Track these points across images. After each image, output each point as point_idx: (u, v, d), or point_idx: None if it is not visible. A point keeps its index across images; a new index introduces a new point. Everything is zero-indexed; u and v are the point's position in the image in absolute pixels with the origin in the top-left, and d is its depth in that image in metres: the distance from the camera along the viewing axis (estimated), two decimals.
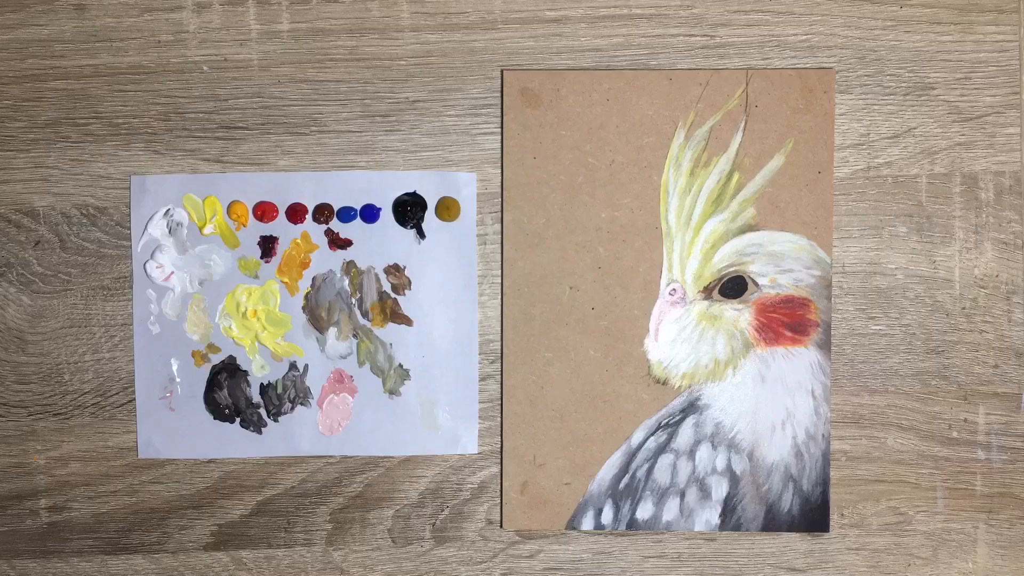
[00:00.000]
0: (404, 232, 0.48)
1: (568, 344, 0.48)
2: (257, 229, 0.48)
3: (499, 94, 0.48)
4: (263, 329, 0.48)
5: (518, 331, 0.48)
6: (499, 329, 0.48)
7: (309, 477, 0.48)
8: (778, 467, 0.48)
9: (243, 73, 0.47)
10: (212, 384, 0.48)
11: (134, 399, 0.48)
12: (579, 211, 0.47)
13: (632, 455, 0.48)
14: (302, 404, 0.48)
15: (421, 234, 0.47)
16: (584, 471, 0.48)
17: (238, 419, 0.48)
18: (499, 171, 0.48)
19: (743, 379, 0.48)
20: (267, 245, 0.48)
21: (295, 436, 0.48)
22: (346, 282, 0.48)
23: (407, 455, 0.48)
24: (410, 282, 0.48)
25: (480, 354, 0.48)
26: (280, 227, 0.48)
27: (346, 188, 0.48)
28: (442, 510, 0.48)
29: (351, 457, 0.48)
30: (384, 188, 0.48)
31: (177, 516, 0.48)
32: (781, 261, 0.47)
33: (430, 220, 0.48)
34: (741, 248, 0.47)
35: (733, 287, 0.47)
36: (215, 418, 0.48)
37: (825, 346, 0.48)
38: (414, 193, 0.48)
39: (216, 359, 0.48)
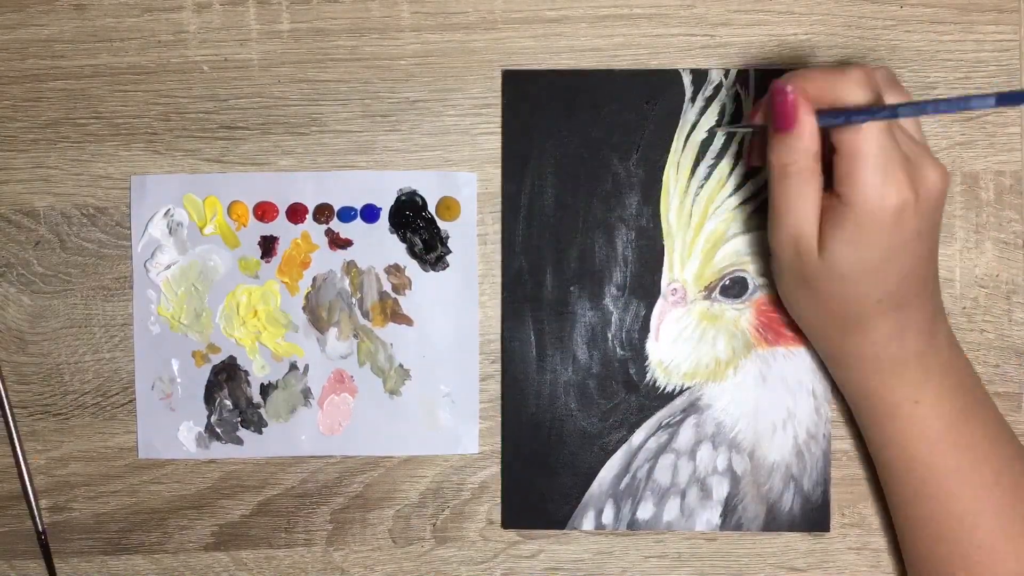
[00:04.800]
0: (406, 232, 0.48)
1: (568, 344, 0.48)
2: (257, 229, 0.48)
3: (499, 94, 0.48)
4: (263, 329, 0.48)
5: (518, 331, 0.48)
6: (499, 329, 0.48)
7: (309, 477, 0.48)
8: (779, 467, 0.48)
9: (243, 73, 0.47)
10: (212, 384, 0.48)
11: (134, 399, 0.48)
12: (579, 211, 0.47)
13: (633, 455, 0.48)
14: (302, 404, 0.48)
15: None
16: (585, 471, 0.48)
17: (239, 419, 0.48)
18: (499, 171, 0.48)
19: (744, 379, 0.48)
20: (267, 245, 0.48)
21: (295, 436, 0.48)
22: (346, 282, 0.48)
23: (407, 455, 0.48)
24: (410, 282, 0.48)
25: (480, 354, 0.48)
26: (280, 227, 0.48)
27: (346, 188, 0.48)
28: (443, 510, 0.48)
29: (351, 457, 0.48)
30: (384, 188, 0.48)
31: (177, 516, 0.48)
32: None
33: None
34: (742, 248, 0.47)
35: (734, 287, 0.47)
36: (215, 418, 0.48)
37: None
38: (411, 194, 0.48)
39: (216, 359, 0.48)
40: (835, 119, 0.39)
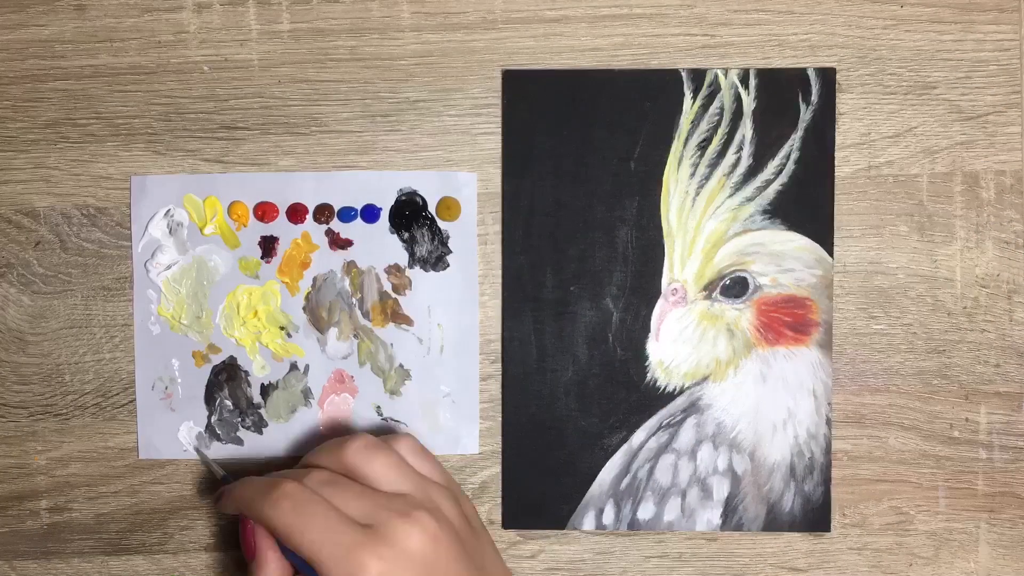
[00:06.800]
0: (406, 233, 0.48)
1: (568, 344, 0.47)
2: (257, 229, 0.48)
3: (499, 94, 0.48)
4: (264, 329, 0.48)
5: (518, 331, 0.48)
6: (499, 329, 0.48)
7: None
8: (779, 467, 0.48)
9: (243, 73, 0.47)
10: (212, 384, 0.48)
11: (135, 399, 0.48)
12: (579, 211, 0.47)
13: (633, 455, 0.48)
14: (303, 404, 0.48)
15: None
16: (585, 471, 0.48)
17: (239, 419, 0.48)
18: (499, 171, 0.48)
19: (744, 379, 0.48)
20: (268, 245, 0.48)
21: (296, 436, 0.48)
22: (347, 282, 0.48)
23: None
24: (410, 282, 0.48)
25: (480, 354, 0.48)
26: (281, 227, 0.48)
27: (347, 188, 0.48)
28: None
29: None
30: (384, 188, 0.48)
31: (178, 517, 0.48)
32: (782, 261, 0.47)
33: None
34: (742, 248, 0.47)
35: (734, 287, 0.47)
36: (216, 418, 0.48)
37: (826, 346, 0.47)
38: (411, 194, 0.48)
39: (217, 359, 0.48)
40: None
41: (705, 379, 0.48)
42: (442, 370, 0.48)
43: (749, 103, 0.47)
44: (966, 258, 0.48)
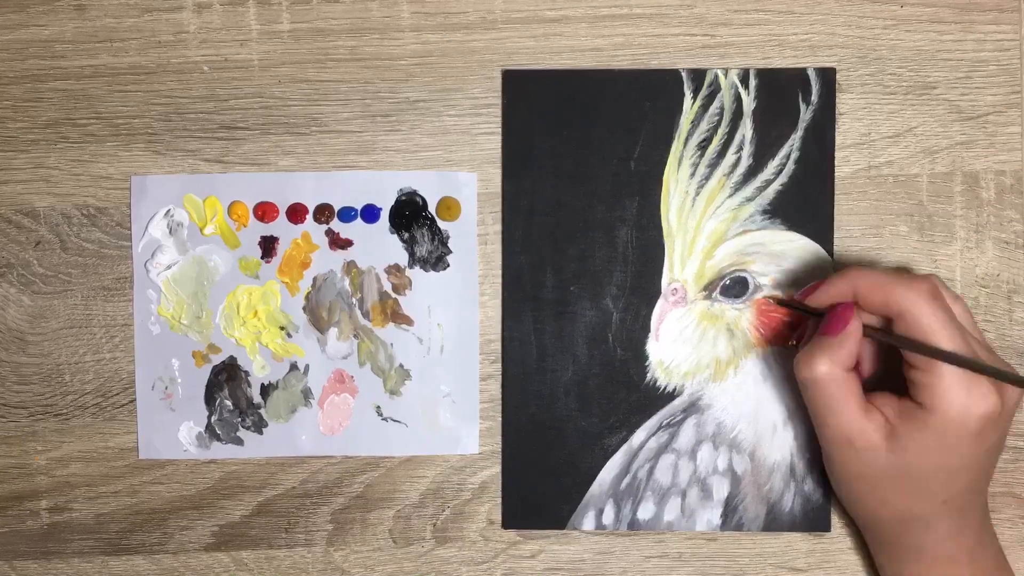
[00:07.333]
0: (406, 233, 0.48)
1: (568, 344, 0.47)
2: (258, 229, 0.48)
3: (499, 94, 0.48)
4: (264, 329, 0.48)
5: (518, 331, 0.48)
6: (499, 329, 0.48)
7: (310, 478, 0.48)
8: (780, 467, 0.47)
9: (243, 73, 0.47)
10: (212, 384, 0.48)
11: (135, 399, 0.48)
12: (579, 210, 0.47)
13: (633, 455, 0.48)
14: (303, 404, 0.48)
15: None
16: (585, 471, 0.48)
17: (239, 419, 0.48)
18: (499, 171, 0.48)
19: (744, 379, 0.48)
20: (268, 245, 0.48)
21: (296, 437, 0.48)
22: (347, 282, 0.48)
23: (408, 455, 0.48)
24: (410, 282, 0.48)
25: (480, 354, 0.48)
26: (281, 227, 0.48)
27: (347, 188, 0.48)
28: (443, 510, 0.48)
29: (352, 457, 0.48)
30: (384, 188, 0.48)
31: (178, 517, 0.48)
32: (782, 261, 0.47)
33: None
34: (742, 248, 0.47)
35: (734, 287, 0.47)
36: (216, 418, 0.48)
37: None
38: (411, 194, 0.48)
39: (217, 359, 0.48)
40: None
41: (705, 379, 0.48)
42: (442, 370, 0.48)
43: (749, 103, 0.47)
44: (966, 258, 0.48)
